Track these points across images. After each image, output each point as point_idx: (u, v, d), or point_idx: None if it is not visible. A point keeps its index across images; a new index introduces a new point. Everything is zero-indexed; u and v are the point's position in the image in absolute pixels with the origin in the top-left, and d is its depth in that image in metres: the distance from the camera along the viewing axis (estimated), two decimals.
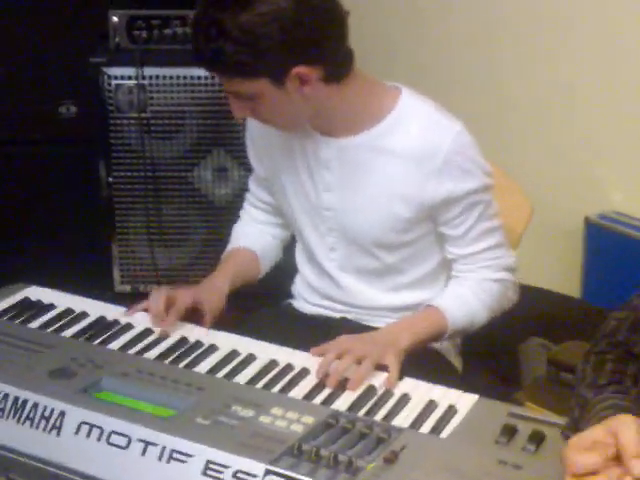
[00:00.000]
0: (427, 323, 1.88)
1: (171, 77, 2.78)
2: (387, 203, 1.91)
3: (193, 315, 1.90)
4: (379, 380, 1.65)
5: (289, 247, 2.18)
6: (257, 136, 2.05)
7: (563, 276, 3.06)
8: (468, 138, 1.88)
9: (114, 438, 1.45)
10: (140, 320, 1.85)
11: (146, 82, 2.77)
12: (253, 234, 2.16)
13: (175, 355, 1.73)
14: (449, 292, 1.95)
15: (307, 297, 2.11)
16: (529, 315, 2.06)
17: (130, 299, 1.97)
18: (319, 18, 1.77)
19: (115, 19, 2.78)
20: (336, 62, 1.83)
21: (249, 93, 1.81)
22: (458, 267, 1.96)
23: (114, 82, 2.79)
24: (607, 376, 1.42)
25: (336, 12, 1.81)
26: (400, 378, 1.66)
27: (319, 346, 1.74)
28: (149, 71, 2.77)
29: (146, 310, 1.87)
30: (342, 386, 1.63)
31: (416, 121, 1.88)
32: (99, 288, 2.73)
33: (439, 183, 1.86)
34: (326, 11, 1.78)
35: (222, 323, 1.91)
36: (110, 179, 2.86)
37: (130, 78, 2.78)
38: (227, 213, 2.86)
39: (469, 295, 1.92)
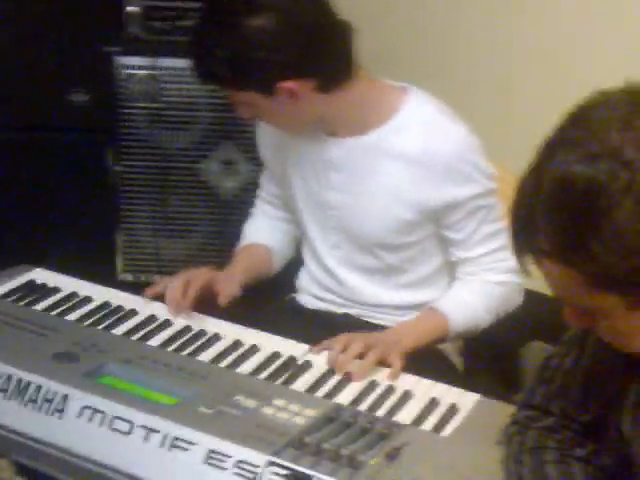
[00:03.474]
0: (429, 327, 1.89)
1: (184, 69, 2.76)
2: (389, 205, 1.91)
3: (207, 298, 1.91)
4: (381, 375, 1.66)
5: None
6: (268, 129, 2.05)
7: None
8: (471, 142, 1.87)
9: (117, 423, 1.46)
10: (144, 306, 1.86)
11: (159, 72, 2.77)
12: (265, 230, 2.16)
13: (179, 343, 1.73)
14: (452, 294, 1.95)
15: (311, 290, 2.11)
16: (531, 319, 2.06)
17: (132, 289, 1.97)
18: (304, 37, 1.76)
19: (131, 8, 2.78)
20: (328, 73, 1.82)
21: (243, 101, 1.85)
22: (462, 269, 1.96)
23: (127, 71, 2.78)
24: None
25: (325, 28, 1.80)
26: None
27: (321, 343, 1.75)
28: (162, 62, 2.77)
29: (162, 296, 1.89)
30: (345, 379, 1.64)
31: (420, 124, 1.87)
32: (101, 276, 2.71)
33: (441, 188, 1.85)
34: (312, 29, 1.77)
35: (225, 315, 1.91)
36: (118, 168, 2.86)
37: (143, 68, 2.78)
38: (233, 206, 2.87)
39: (472, 298, 1.92)
